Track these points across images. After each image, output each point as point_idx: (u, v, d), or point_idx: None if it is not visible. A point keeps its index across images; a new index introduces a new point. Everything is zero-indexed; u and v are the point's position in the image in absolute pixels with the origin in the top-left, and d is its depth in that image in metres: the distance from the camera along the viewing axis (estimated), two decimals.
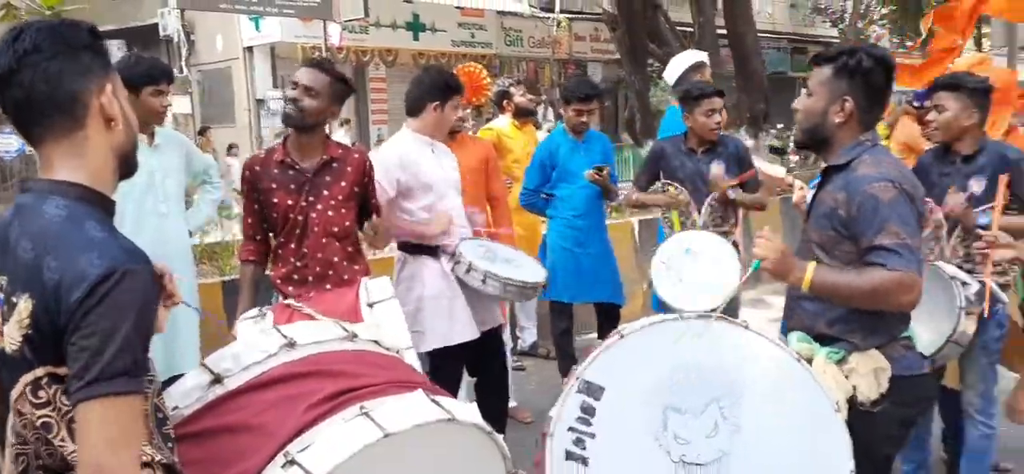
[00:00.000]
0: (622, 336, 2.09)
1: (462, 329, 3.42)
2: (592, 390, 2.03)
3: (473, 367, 3.71)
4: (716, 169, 4.02)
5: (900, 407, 2.14)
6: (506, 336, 4.39)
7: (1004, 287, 3.12)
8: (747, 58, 8.05)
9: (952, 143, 3.27)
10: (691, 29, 8.94)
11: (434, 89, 3.47)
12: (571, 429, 2.01)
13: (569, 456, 2.01)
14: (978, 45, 15.11)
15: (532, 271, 3.61)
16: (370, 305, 2.45)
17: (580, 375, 2.05)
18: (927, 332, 3.01)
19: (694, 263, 3.67)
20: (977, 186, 3.21)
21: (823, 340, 2.17)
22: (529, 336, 5.76)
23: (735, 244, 3.94)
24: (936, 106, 3.27)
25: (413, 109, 3.51)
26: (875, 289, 2.04)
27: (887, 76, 2.21)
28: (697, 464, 1.99)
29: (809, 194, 2.52)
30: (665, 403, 2.02)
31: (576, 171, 4.43)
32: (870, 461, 2.07)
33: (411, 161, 3.40)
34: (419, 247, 3.46)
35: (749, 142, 7.90)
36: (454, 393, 3.68)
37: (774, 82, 11.25)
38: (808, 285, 2.08)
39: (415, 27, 17.90)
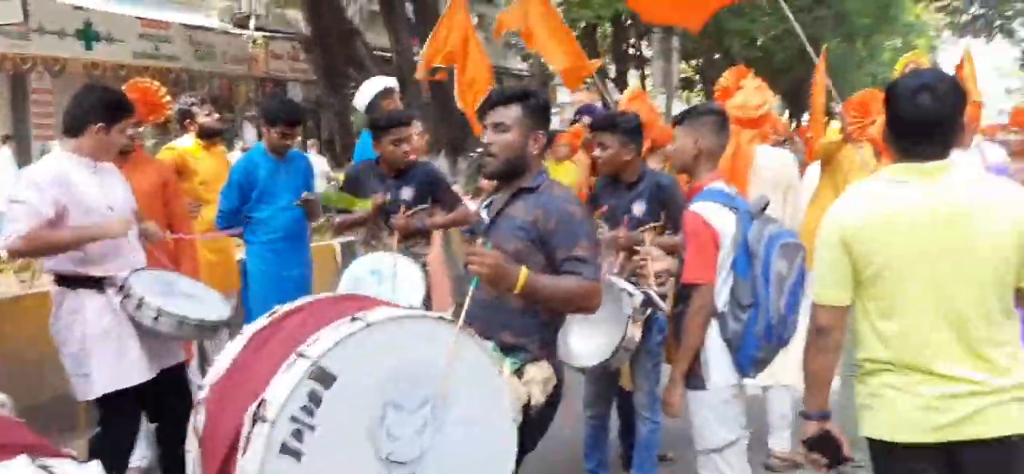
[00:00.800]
0: (368, 324, 1.96)
1: (135, 369, 3.09)
2: (325, 378, 1.87)
3: (154, 411, 3.35)
4: (405, 194, 4.13)
5: (550, 408, 2.46)
6: (193, 372, 4.05)
7: (663, 296, 3.50)
8: (444, 83, 8.35)
9: (617, 174, 3.72)
10: (390, 53, 9.07)
11: (98, 109, 3.13)
12: (293, 419, 1.83)
13: (284, 450, 1.82)
14: (642, 82, 17.37)
15: (214, 307, 3.35)
16: None
17: (316, 360, 1.87)
18: (603, 338, 3.32)
19: (379, 284, 3.72)
20: (639, 209, 3.67)
21: (505, 350, 2.36)
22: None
23: (424, 265, 4.06)
24: (599, 144, 3.73)
25: (72, 129, 3.12)
26: (573, 293, 2.40)
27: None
28: (399, 462, 1.98)
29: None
30: (388, 399, 1.97)
31: (278, 192, 4.29)
32: (521, 454, 2.27)
33: (68, 181, 3.01)
34: (80, 279, 3.06)
35: (445, 168, 8.19)
36: (130, 443, 3.32)
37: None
38: (521, 287, 2.29)
39: (87, 36, 16.02)
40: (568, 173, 6.68)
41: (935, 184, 2.02)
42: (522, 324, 2.43)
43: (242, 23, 17.82)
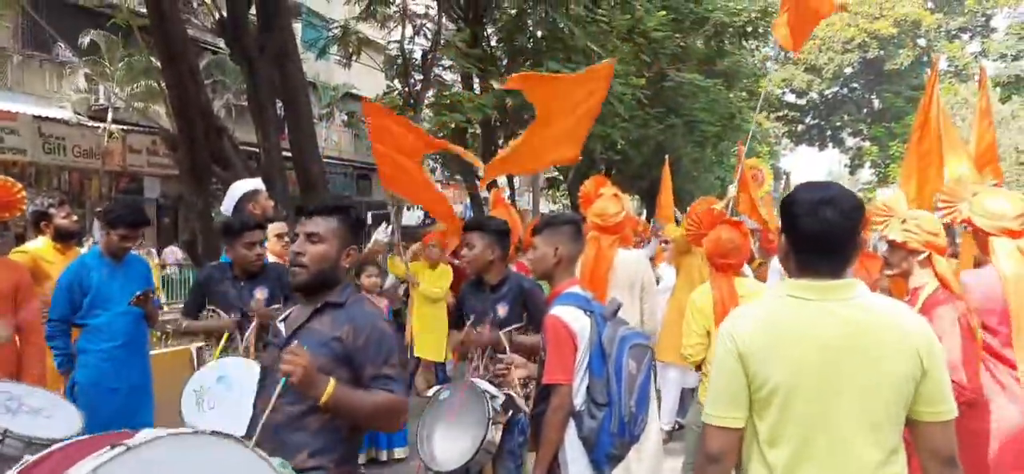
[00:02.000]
0: (128, 448, 1.73)
1: None
2: None
3: None
4: (259, 295, 4.10)
5: None
6: None
7: (527, 398, 3.58)
8: (313, 184, 8.33)
9: (482, 275, 3.86)
10: (258, 150, 8.98)
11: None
12: None
13: None
14: (510, 182, 17.90)
15: (65, 422, 3.15)
16: None
17: None
18: (466, 442, 3.37)
19: (228, 391, 3.61)
20: (502, 310, 3.79)
21: (303, 472, 2.29)
22: None
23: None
24: (466, 244, 3.86)
25: None
26: (381, 409, 2.35)
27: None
28: None
29: None
30: None
31: (115, 297, 4.12)
32: None
33: None
34: None
35: None
36: None
37: None
38: (327, 398, 2.24)
39: None
40: (443, 276, 6.80)
41: (835, 303, 1.90)
42: (321, 442, 2.33)
43: (99, 116, 17.09)
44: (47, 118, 16.61)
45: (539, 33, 12.86)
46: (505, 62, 13.96)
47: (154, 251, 16.76)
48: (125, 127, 17.60)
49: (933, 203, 4.59)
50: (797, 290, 1.95)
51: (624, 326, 2.97)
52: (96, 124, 16.94)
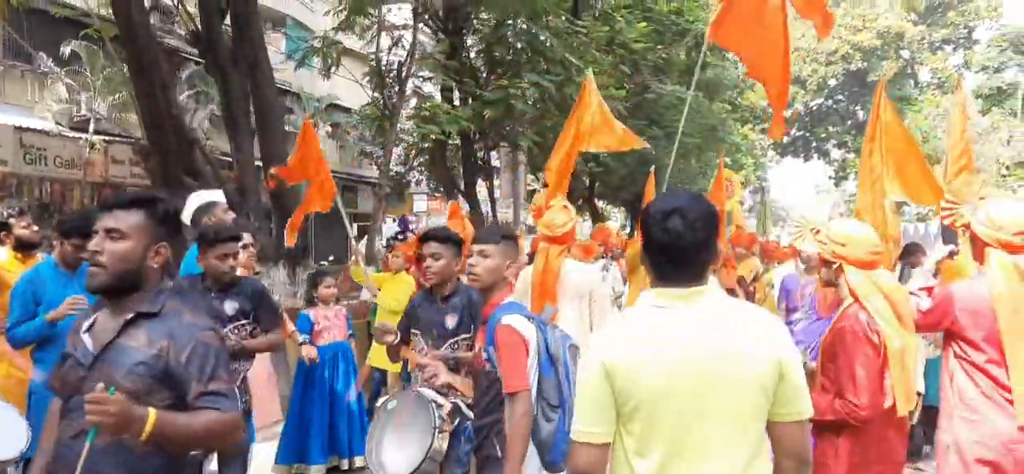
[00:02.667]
0: None
1: None
2: None
3: None
4: (230, 310, 4.05)
5: None
6: None
7: (471, 405, 3.66)
8: (283, 194, 8.38)
9: (437, 286, 3.90)
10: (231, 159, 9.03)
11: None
12: None
13: None
14: (490, 194, 18.01)
15: (9, 441, 3.14)
16: None
17: None
18: (414, 449, 3.42)
19: None
20: (451, 322, 3.84)
21: None
22: None
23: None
24: (431, 255, 3.81)
25: None
26: (210, 431, 2.12)
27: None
28: None
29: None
30: None
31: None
32: None
33: None
34: None
35: (284, 279, 8.13)
36: None
37: (323, 218, 11.87)
38: (149, 433, 1.99)
39: None
40: (406, 284, 6.84)
41: (693, 311, 1.94)
42: (143, 468, 2.10)
43: (81, 126, 17.07)
44: (28, 129, 16.58)
45: (518, 45, 12.94)
46: (484, 74, 14.04)
47: None
48: (107, 138, 17.56)
49: (879, 218, 4.67)
50: (658, 299, 1.98)
51: (558, 330, 3.08)
52: (78, 135, 16.90)
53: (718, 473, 1.89)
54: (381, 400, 3.86)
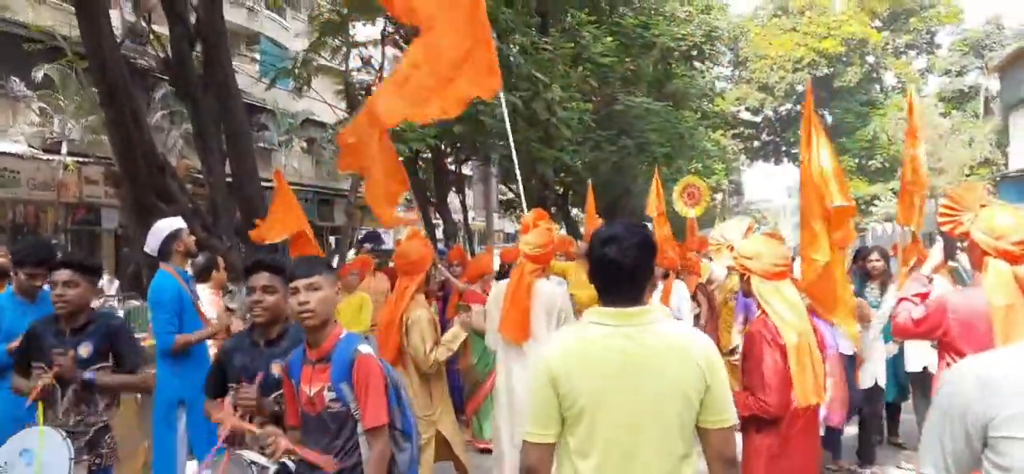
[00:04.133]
0: None
1: None
2: None
3: None
4: (83, 351, 3.58)
5: None
6: None
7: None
8: (255, 215, 8.61)
9: (264, 326, 3.26)
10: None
11: None
12: None
13: None
14: (462, 205, 18.28)
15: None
16: None
17: None
18: None
19: (28, 467, 3.24)
20: (279, 369, 3.11)
21: None
22: None
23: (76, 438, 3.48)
24: (264, 287, 3.16)
25: None
26: None
27: None
28: None
29: None
30: None
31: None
32: None
33: None
34: None
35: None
36: None
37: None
38: None
39: None
40: (363, 306, 6.98)
41: (630, 328, 2.15)
42: None
43: (54, 149, 17.17)
44: (1, 152, 16.66)
45: None
46: None
47: (112, 280, 16.76)
48: (80, 159, 17.67)
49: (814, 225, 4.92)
50: (598, 317, 2.21)
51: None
52: (51, 157, 17.00)
53: (647, 472, 2.13)
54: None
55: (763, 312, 3.42)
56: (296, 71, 13.12)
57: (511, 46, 13.45)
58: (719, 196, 23.89)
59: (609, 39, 16.39)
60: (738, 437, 2.58)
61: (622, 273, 2.17)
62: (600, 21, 17.12)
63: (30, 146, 17.05)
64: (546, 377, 2.17)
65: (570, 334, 2.32)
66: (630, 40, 18.29)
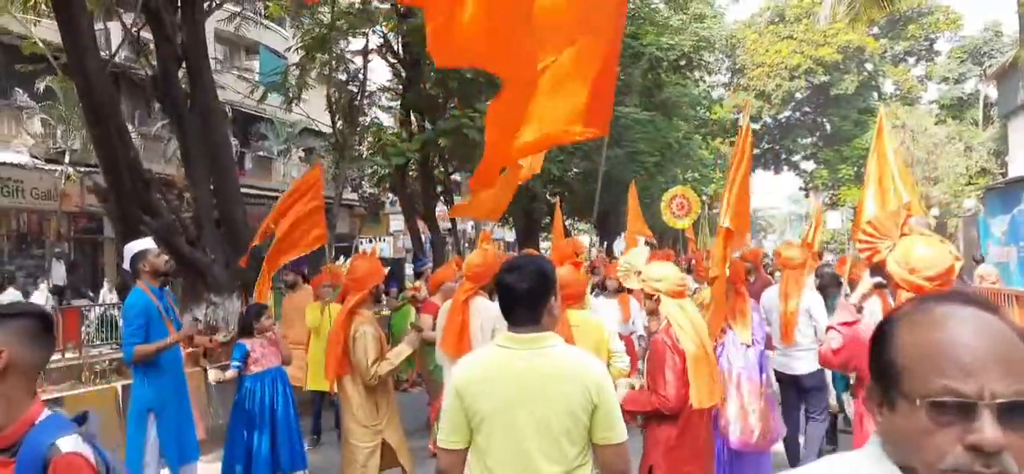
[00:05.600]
0: None
1: None
2: None
3: None
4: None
5: None
6: None
7: None
8: (237, 230, 9.00)
9: None
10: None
11: None
12: None
13: None
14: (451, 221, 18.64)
15: None
16: None
17: None
18: None
19: None
20: None
21: None
22: None
23: None
24: None
25: None
26: None
27: None
28: None
29: None
30: None
31: None
32: None
33: None
34: None
35: (238, 308, 8.74)
36: None
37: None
38: None
39: None
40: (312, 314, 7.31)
41: (528, 351, 2.42)
42: None
43: (56, 159, 17.65)
44: (4, 163, 17.15)
45: (467, 76, 13.62)
46: (440, 100, 14.71)
47: (111, 288, 17.22)
48: (82, 169, 18.16)
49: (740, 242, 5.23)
50: (502, 341, 2.49)
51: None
52: (53, 167, 17.48)
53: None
54: None
55: (668, 323, 3.84)
56: (286, 85, 13.50)
57: None
58: (717, 206, 24.06)
59: None
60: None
61: (517, 301, 2.46)
62: None
63: (33, 156, 17.54)
64: (454, 392, 2.46)
65: (477, 355, 2.61)
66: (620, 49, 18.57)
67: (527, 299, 2.45)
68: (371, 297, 5.11)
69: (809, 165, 45.26)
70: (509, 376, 2.41)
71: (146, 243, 5.49)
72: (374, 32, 13.47)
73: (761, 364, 5.52)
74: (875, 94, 41.59)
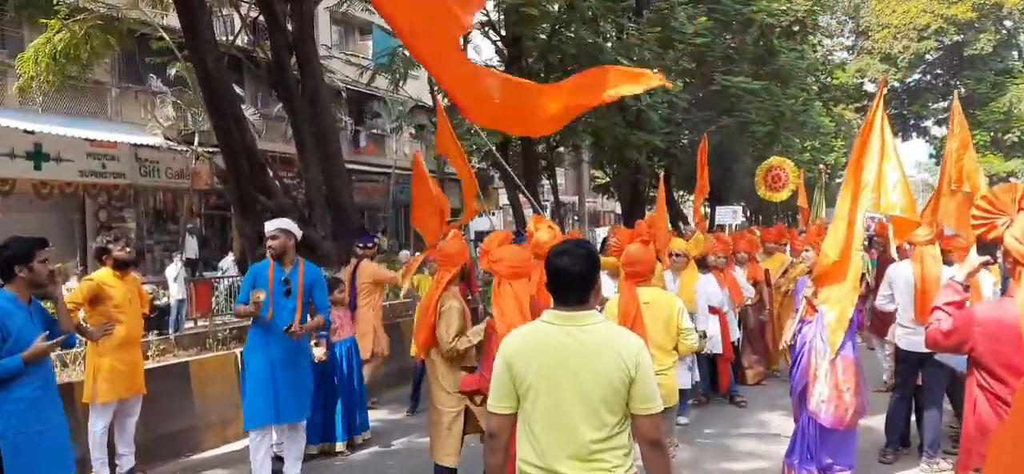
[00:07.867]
0: None
1: None
2: None
3: None
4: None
5: None
6: None
7: None
8: (344, 209, 9.50)
9: None
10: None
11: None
12: None
13: None
14: (554, 191, 18.76)
15: None
16: None
17: None
18: None
19: None
20: None
21: None
22: (127, 462, 6.16)
23: None
24: None
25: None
26: None
27: None
28: None
29: None
30: None
31: (31, 339, 4.10)
32: None
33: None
34: None
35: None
36: None
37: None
38: None
39: (37, 157, 17.05)
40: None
41: (573, 327, 2.56)
42: None
43: (187, 140, 18.93)
44: (142, 145, 18.57)
45: (570, 51, 13.64)
46: (542, 76, 14.80)
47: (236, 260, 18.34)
48: (211, 150, 19.40)
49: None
50: (548, 317, 2.63)
51: None
52: (185, 148, 18.75)
53: (577, 442, 2.53)
54: None
55: None
56: (393, 66, 13.94)
57: (594, 33, 13.76)
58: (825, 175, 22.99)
59: (703, 18, 16.25)
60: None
61: (567, 282, 2.60)
62: (697, 1, 16.99)
63: (166, 138, 18.86)
64: (503, 360, 2.64)
65: (526, 328, 2.76)
66: (728, 17, 18.02)
67: (579, 282, 2.60)
68: (459, 275, 5.35)
69: (940, 131, 42.46)
70: (554, 349, 2.56)
71: (283, 222, 5.90)
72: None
73: (852, 341, 5.48)
74: (1015, 53, 38.44)
